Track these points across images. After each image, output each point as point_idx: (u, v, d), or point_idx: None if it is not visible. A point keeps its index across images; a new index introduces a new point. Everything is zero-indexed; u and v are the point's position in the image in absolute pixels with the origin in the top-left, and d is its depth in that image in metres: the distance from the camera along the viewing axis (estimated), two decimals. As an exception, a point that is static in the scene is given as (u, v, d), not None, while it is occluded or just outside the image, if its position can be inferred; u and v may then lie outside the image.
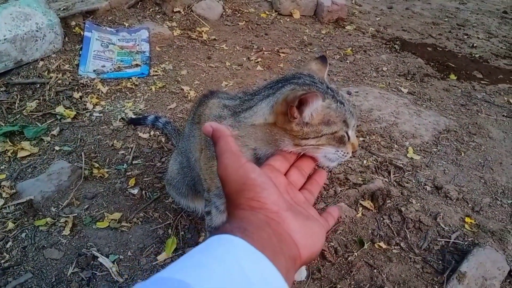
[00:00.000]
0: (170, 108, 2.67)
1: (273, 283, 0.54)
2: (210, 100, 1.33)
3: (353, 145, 1.07)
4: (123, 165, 2.17)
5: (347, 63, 3.47)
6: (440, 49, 3.92)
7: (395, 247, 1.78)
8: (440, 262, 1.72)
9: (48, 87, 2.69)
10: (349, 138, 1.04)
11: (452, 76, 3.36)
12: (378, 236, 1.82)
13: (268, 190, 0.67)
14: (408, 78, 3.28)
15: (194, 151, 1.39)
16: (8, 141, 2.26)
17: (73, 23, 3.26)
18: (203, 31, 3.73)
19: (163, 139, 2.39)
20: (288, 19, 4.23)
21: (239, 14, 4.15)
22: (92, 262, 1.66)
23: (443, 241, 1.81)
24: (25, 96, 2.64)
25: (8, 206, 1.90)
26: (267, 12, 4.27)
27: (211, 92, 1.47)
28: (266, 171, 0.75)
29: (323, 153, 0.99)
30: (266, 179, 0.69)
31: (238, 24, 4.00)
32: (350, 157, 1.09)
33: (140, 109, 2.64)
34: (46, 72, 2.83)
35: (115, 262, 1.65)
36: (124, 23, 3.51)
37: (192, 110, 1.68)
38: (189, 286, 0.46)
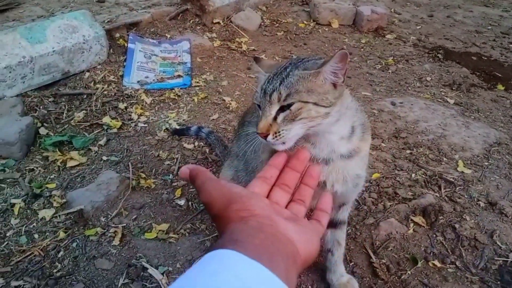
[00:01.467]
0: (213, 119, 2.68)
1: (272, 286, 0.53)
2: None
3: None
4: (169, 175, 2.18)
5: (389, 73, 3.40)
6: (485, 58, 3.80)
7: (451, 265, 1.71)
8: (498, 282, 1.65)
9: (94, 98, 2.75)
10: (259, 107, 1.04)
11: (500, 87, 3.25)
12: (431, 254, 1.76)
13: (255, 199, 0.69)
14: (453, 88, 3.19)
15: (260, 152, 1.33)
16: (57, 150, 2.32)
17: (117, 35, 3.34)
18: (242, 41, 3.74)
19: (207, 150, 2.39)
20: (326, 29, 4.20)
21: (277, 25, 4.15)
22: (142, 273, 1.67)
23: (501, 260, 1.73)
24: (73, 106, 2.71)
25: (59, 216, 1.93)
26: (305, 22, 4.26)
27: None
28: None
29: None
30: (250, 191, 0.71)
31: (276, 34, 4.00)
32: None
33: (183, 120, 2.66)
34: (92, 83, 2.90)
35: (164, 274, 1.66)
36: (166, 34, 3.57)
37: (250, 112, 1.64)
38: None
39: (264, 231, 0.62)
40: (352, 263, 1.71)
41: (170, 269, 1.68)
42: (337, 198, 1.26)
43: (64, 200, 2.00)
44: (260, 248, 0.58)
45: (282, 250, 0.61)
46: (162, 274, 1.65)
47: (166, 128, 2.56)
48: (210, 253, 0.57)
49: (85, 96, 2.78)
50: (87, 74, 2.96)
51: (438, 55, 3.76)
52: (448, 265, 1.71)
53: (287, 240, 0.64)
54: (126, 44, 3.28)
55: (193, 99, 2.87)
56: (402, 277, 1.65)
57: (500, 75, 3.46)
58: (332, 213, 1.44)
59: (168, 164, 2.27)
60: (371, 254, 1.73)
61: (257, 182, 0.81)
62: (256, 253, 0.55)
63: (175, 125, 2.58)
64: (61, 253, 1.77)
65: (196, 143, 2.44)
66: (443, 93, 3.11)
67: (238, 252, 0.55)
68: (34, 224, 1.89)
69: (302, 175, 0.85)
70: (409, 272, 1.67)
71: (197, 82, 3.07)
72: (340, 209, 1.44)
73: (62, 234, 1.84)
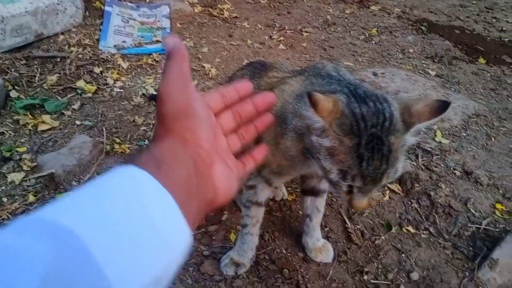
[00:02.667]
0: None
1: (176, 228, 0.49)
2: (292, 77, 1.24)
3: (350, 200, 0.95)
4: (144, 141, 2.13)
5: (372, 43, 3.37)
6: (468, 32, 3.78)
7: (424, 232, 1.72)
8: (470, 248, 1.66)
9: (68, 61, 2.66)
10: (350, 191, 0.93)
11: (481, 60, 3.24)
12: (406, 220, 1.77)
13: (207, 127, 0.62)
14: (435, 60, 3.17)
15: None
16: (28, 114, 2.24)
17: (94, -3, 3.21)
18: (224, 8, 3.65)
19: (184, 116, 2.34)
20: (311, -2, 4.12)
21: (261, -8, 4.06)
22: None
23: (474, 227, 1.75)
24: (46, 69, 2.61)
25: (29, 179, 1.88)
26: (289, -9, 4.17)
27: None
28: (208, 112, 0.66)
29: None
30: (207, 114, 0.64)
31: (260, 2, 3.90)
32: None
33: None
34: (67, 46, 2.79)
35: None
36: (145, -2, 3.45)
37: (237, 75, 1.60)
38: (69, 231, 0.39)
39: (197, 167, 0.56)
40: (327, 228, 1.71)
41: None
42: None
43: (35, 164, 1.94)
44: (183, 183, 0.52)
45: (202, 195, 0.56)
46: (135, 238, 1.63)
47: (143, 94, 2.49)
48: (126, 167, 0.49)
49: (58, 59, 2.68)
50: (62, 37, 2.86)
51: (422, 27, 3.73)
52: (421, 231, 1.72)
53: (212, 188, 0.59)
54: (102, 7, 3.16)
55: (172, 65, 2.79)
56: (376, 242, 1.66)
57: (482, 48, 3.45)
58: (314, 183, 1.45)
59: (144, 129, 2.22)
60: (346, 220, 1.73)
61: (216, 95, 0.72)
62: (176, 187, 0.50)
63: (152, 91, 2.51)
64: (31, 216, 1.72)
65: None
66: (425, 65, 3.09)
67: (156, 181, 0.48)
68: (3, 187, 1.83)
69: (257, 114, 0.77)
70: (383, 237, 1.68)
71: (176, 48, 2.99)
72: (322, 180, 1.42)
73: (31, 198, 1.79)
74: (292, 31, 3.44)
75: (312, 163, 1.03)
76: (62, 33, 2.88)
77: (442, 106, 0.87)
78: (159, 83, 0.63)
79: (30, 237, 0.38)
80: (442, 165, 2.08)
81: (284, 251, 1.61)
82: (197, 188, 0.54)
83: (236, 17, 3.58)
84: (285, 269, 1.52)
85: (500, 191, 1.95)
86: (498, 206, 1.86)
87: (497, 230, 1.74)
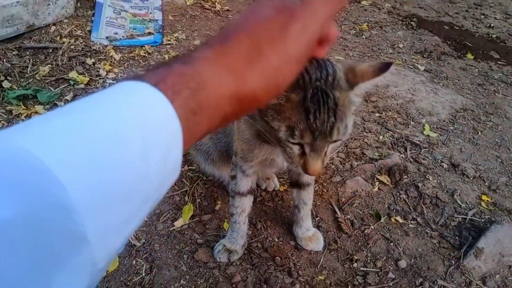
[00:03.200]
0: (184, 78, 2.63)
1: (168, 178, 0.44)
2: None
3: (304, 164, 0.90)
4: (138, 132, 2.15)
5: (363, 38, 3.41)
6: (457, 28, 3.84)
7: (412, 222, 1.77)
8: (456, 238, 1.71)
9: (60, 52, 2.65)
10: (304, 153, 0.89)
11: (469, 56, 3.30)
12: (394, 211, 1.81)
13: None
14: (424, 55, 3.22)
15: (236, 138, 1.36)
16: (21, 104, 2.24)
17: (86, -12, 3.20)
18: (216, 1, 3.65)
19: (177, 108, 2.36)
20: (302, -7, 4.14)
21: (253, -14, 4.07)
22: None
23: (460, 218, 1.80)
24: (38, 60, 2.61)
25: (23, 169, 1.88)
26: (281, -15, 4.18)
27: None
28: None
29: (271, 141, 0.93)
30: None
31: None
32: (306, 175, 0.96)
33: (153, 78, 2.60)
34: (59, 37, 2.79)
35: (131, 227, 1.65)
36: (137, -10, 3.44)
37: None
38: (34, 159, 0.32)
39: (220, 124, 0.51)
40: (318, 217, 1.75)
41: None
42: (286, 168, 1.32)
43: (28, 154, 1.95)
44: (199, 137, 0.48)
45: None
46: (129, 226, 1.65)
47: (126, 77, 2.50)
48: (149, 88, 0.42)
49: (50, 50, 2.68)
50: (53, 27, 2.85)
51: (412, 23, 3.78)
52: (409, 221, 1.77)
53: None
54: (94, -2, 3.15)
55: (164, 57, 2.81)
56: (365, 231, 1.70)
57: (470, 44, 3.51)
58: (295, 175, 1.49)
59: (137, 120, 2.23)
60: (337, 210, 1.77)
61: None
62: (191, 140, 0.46)
63: (138, 73, 2.52)
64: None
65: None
66: (414, 60, 3.14)
67: (177, 118, 0.42)
68: (-3, 177, 1.84)
69: None
70: (372, 227, 1.72)
71: (169, 40, 3.00)
72: (300, 174, 1.46)
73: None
74: (284, 25, 3.45)
75: (267, 147, 1.11)
76: (54, 24, 2.86)
77: (385, 66, 0.90)
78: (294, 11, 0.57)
79: None
80: (430, 158, 2.13)
81: (276, 240, 1.64)
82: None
83: (228, 10, 3.59)
84: (277, 257, 1.56)
85: (486, 183, 2.01)
86: (484, 197, 1.92)
87: (482, 220, 1.80)
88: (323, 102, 0.83)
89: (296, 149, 0.89)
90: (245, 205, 1.46)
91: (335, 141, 0.89)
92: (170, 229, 1.65)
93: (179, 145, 0.43)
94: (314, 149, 0.88)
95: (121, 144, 0.37)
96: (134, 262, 1.52)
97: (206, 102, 0.46)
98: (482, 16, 4.18)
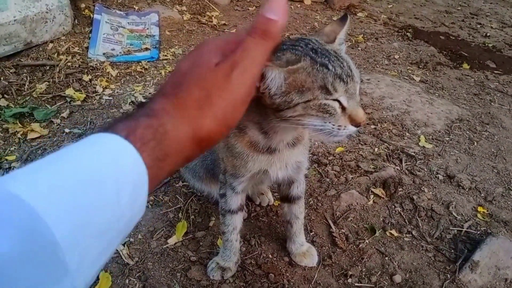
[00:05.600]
0: (180, 93, 2.65)
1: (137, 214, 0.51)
2: None
3: (350, 117, 0.92)
4: (133, 148, 2.15)
5: (359, 50, 3.42)
6: (453, 38, 3.85)
7: (407, 235, 1.76)
8: (452, 251, 1.70)
9: (57, 70, 2.68)
10: (344, 108, 0.91)
11: (465, 65, 3.31)
12: (389, 224, 1.81)
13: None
14: (420, 66, 3.23)
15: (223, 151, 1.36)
16: (18, 122, 2.26)
17: (83, 5, 3.24)
18: (213, 15, 3.69)
19: (173, 123, 2.37)
20: (298, 5, 4.17)
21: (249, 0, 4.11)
22: (102, 244, 1.65)
23: (456, 230, 1.79)
24: (35, 78, 2.63)
25: (19, 187, 1.89)
26: (277, -2, 4.21)
27: None
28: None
29: (311, 126, 0.93)
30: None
31: (248, 9, 3.95)
32: (356, 131, 0.96)
33: (149, 93, 2.62)
34: (56, 54, 2.81)
35: (125, 245, 1.65)
36: (134, 6, 3.48)
37: None
38: (32, 212, 0.39)
39: (182, 164, 0.61)
40: (313, 232, 1.74)
41: (132, 240, 1.68)
42: (281, 180, 1.32)
43: (24, 172, 1.96)
44: (163, 177, 0.56)
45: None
46: (123, 245, 1.65)
47: (132, 101, 2.52)
48: (97, 135, 0.50)
49: (48, 68, 2.71)
50: (51, 45, 2.87)
51: (407, 33, 3.80)
52: (404, 235, 1.76)
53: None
54: (92, 15, 3.19)
55: (161, 73, 2.83)
56: (360, 245, 1.69)
57: (466, 54, 3.52)
58: (285, 189, 1.50)
59: (133, 136, 2.24)
60: (331, 224, 1.77)
61: None
62: (155, 179, 0.52)
63: (141, 99, 2.54)
64: (20, 224, 1.73)
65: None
66: (410, 71, 3.15)
67: (144, 166, 0.49)
68: (-8, 195, 1.85)
69: None
70: (367, 241, 1.71)
71: (165, 56, 3.02)
72: (290, 187, 1.47)
73: (21, 206, 1.80)
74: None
75: (262, 158, 1.15)
76: (51, 41, 2.89)
77: (344, 18, 1.03)
78: (231, 54, 0.62)
79: None
80: (425, 169, 2.13)
81: (270, 256, 1.64)
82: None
83: (224, 24, 3.62)
84: (271, 274, 1.55)
85: (482, 194, 2.00)
86: (480, 209, 1.91)
87: (478, 232, 1.79)
88: (327, 54, 0.90)
89: (336, 106, 0.91)
90: (236, 222, 1.45)
91: (358, 82, 0.94)
92: (164, 246, 1.64)
93: (145, 188, 0.50)
94: (350, 95, 0.91)
95: (98, 189, 0.45)
96: (127, 281, 1.51)
97: (169, 149, 0.53)
98: (478, 26, 4.20)
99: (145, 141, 0.50)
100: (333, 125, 0.92)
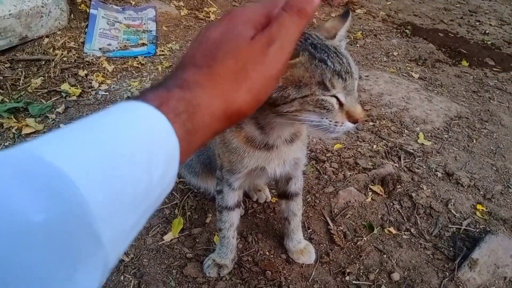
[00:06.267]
0: (177, 88, 2.62)
1: (166, 189, 0.49)
2: None
3: (348, 114, 0.91)
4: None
5: (357, 47, 3.40)
6: (452, 35, 3.84)
7: (405, 232, 1.74)
8: (451, 248, 1.69)
9: (53, 64, 2.65)
10: (341, 104, 0.90)
11: (464, 63, 3.30)
12: (388, 222, 1.79)
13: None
14: (419, 63, 3.22)
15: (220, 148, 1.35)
16: (12, 117, 2.23)
17: (79, 0, 3.20)
18: (210, 11, 3.66)
19: (169, 119, 2.35)
20: (297, 1, 4.15)
21: (247, -5, 4.08)
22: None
23: (454, 228, 1.78)
24: (30, 72, 2.60)
25: (13, 183, 1.86)
26: (276, -6, 4.19)
27: None
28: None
29: (308, 121, 0.92)
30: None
31: (246, 5, 3.92)
32: (354, 128, 0.95)
33: (146, 89, 2.59)
34: (51, 49, 2.78)
35: (120, 241, 1.63)
36: (131, 1, 3.45)
37: None
38: (66, 179, 0.37)
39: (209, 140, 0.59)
40: (310, 229, 1.73)
41: (127, 236, 1.65)
42: (278, 177, 1.31)
43: (18, 168, 1.93)
44: (192, 152, 0.54)
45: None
46: (118, 241, 1.62)
47: (128, 97, 2.49)
48: (128, 103, 0.48)
49: (43, 62, 2.68)
50: (46, 39, 2.84)
51: (406, 30, 3.78)
52: (403, 232, 1.74)
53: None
54: (88, 10, 3.15)
55: (157, 68, 2.80)
56: (358, 243, 1.68)
57: (465, 51, 3.50)
58: (283, 186, 1.48)
59: (129, 132, 2.22)
60: (329, 222, 1.75)
61: None
62: (186, 155, 0.51)
63: (137, 94, 2.51)
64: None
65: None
66: (408, 68, 3.13)
67: (176, 137, 0.48)
68: (-14, 191, 1.82)
69: None
70: (365, 238, 1.70)
71: (162, 51, 3.00)
72: (288, 183, 1.45)
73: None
74: (278, 34, 3.45)
75: (258, 155, 1.13)
76: (47, 36, 2.86)
77: (345, 15, 1.00)
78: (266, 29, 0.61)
79: (12, 178, 0.36)
80: (424, 167, 2.11)
81: (267, 253, 1.62)
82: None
83: (222, 20, 3.59)
84: (268, 271, 1.53)
85: (481, 192, 1.99)
86: (479, 207, 1.90)
87: (477, 230, 1.77)
88: (326, 49, 0.89)
89: (334, 102, 0.90)
90: (233, 219, 1.43)
91: (356, 78, 0.93)
92: (160, 243, 1.62)
93: (176, 162, 0.49)
94: (348, 92, 0.90)
95: (130, 160, 0.43)
96: (122, 277, 1.49)
97: (201, 123, 0.53)
98: (477, 23, 4.18)
99: (177, 112, 0.49)
100: (330, 121, 0.91)
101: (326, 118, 0.91)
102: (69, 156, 0.39)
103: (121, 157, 0.42)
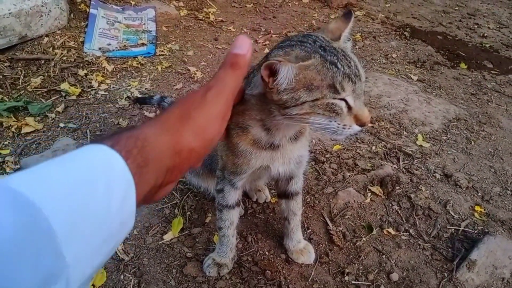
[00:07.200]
0: (176, 88, 2.63)
1: (127, 219, 0.53)
2: None
3: (356, 117, 0.93)
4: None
5: (356, 48, 3.41)
6: (451, 37, 3.85)
7: (404, 233, 1.75)
8: (449, 249, 1.70)
9: (53, 64, 2.65)
10: (350, 107, 0.92)
11: (462, 65, 3.31)
12: (386, 222, 1.80)
13: (200, 160, 0.71)
14: (418, 65, 3.23)
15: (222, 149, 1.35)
16: (12, 116, 2.23)
17: (79, -1, 3.21)
18: (210, 12, 3.67)
19: (169, 119, 2.35)
20: (296, 3, 4.16)
21: (247, -4, 4.08)
22: (97, 239, 1.63)
23: (453, 229, 1.79)
24: (30, 72, 2.60)
25: (12, 182, 1.86)
26: (275, -5, 4.20)
27: None
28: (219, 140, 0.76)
29: (316, 124, 0.94)
30: (210, 150, 0.72)
31: (245, 6, 3.93)
32: (360, 130, 0.97)
33: (146, 89, 2.59)
34: (51, 48, 2.78)
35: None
36: (130, 1, 3.46)
37: None
38: (31, 204, 0.42)
39: (164, 178, 0.62)
40: (310, 230, 1.73)
41: (127, 235, 1.65)
42: (281, 176, 1.31)
43: (18, 166, 1.93)
44: (148, 190, 0.58)
45: (145, 201, 0.62)
46: (118, 240, 1.62)
47: (128, 97, 2.49)
48: (92, 146, 0.54)
49: (43, 62, 2.67)
50: (46, 39, 2.84)
51: (405, 33, 3.79)
52: (402, 233, 1.75)
53: (155, 198, 0.66)
54: (88, 9, 3.15)
55: (157, 68, 2.80)
56: (357, 243, 1.68)
57: (463, 54, 3.52)
58: (284, 185, 1.48)
59: (129, 132, 2.22)
60: (328, 222, 1.75)
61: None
62: (142, 192, 0.55)
63: (137, 94, 2.52)
64: (13, 219, 1.71)
65: (158, 112, 2.39)
66: (407, 70, 3.15)
67: (128, 170, 0.52)
68: (-15, 190, 1.82)
69: None
70: (364, 239, 1.70)
71: (162, 51, 3.00)
72: (289, 183, 1.46)
73: (14, 200, 1.77)
74: (277, 35, 3.47)
75: (263, 154, 1.15)
76: (47, 35, 2.86)
77: (348, 14, 1.04)
78: (208, 83, 0.71)
79: None
80: (423, 168, 2.12)
81: (267, 253, 1.62)
82: (148, 196, 0.60)
83: (222, 21, 3.60)
84: (267, 271, 1.53)
85: (479, 194, 2.00)
86: (477, 208, 1.90)
87: (475, 231, 1.78)
88: (336, 52, 0.91)
89: (343, 105, 0.91)
90: (233, 217, 1.44)
91: (364, 82, 0.94)
92: (159, 242, 1.63)
93: (132, 192, 0.53)
94: (357, 96, 0.92)
95: (90, 188, 0.48)
96: (122, 277, 1.49)
97: (150, 156, 0.57)
98: (476, 26, 4.20)
99: (128, 149, 0.54)
100: (339, 124, 0.93)
101: (335, 121, 0.93)
102: (31, 184, 0.44)
103: (81, 185, 0.48)
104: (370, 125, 2.42)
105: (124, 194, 0.51)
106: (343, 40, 0.98)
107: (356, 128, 0.94)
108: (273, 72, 0.89)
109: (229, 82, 0.71)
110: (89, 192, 0.48)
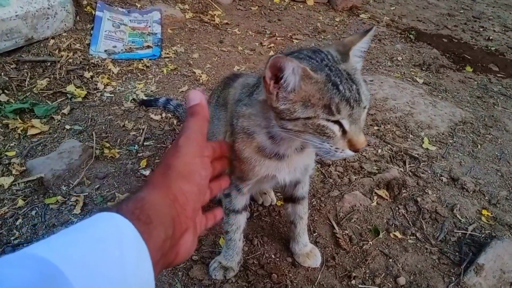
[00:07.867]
0: (182, 91, 2.63)
1: (146, 282, 0.55)
2: (236, 80, 1.32)
3: (350, 142, 0.93)
4: (135, 146, 2.13)
5: (362, 51, 3.40)
6: (456, 40, 3.84)
7: (411, 237, 1.74)
8: (456, 253, 1.69)
9: (58, 66, 2.65)
10: (345, 131, 0.92)
11: (468, 68, 3.30)
12: (393, 226, 1.79)
13: (200, 198, 0.72)
14: (423, 68, 3.22)
15: (218, 133, 1.35)
16: (18, 118, 2.23)
17: (85, 2, 3.22)
18: (215, 14, 3.67)
19: (175, 121, 2.35)
20: (301, 6, 4.16)
21: (252, -1, 4.09)
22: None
23: (460, 233, 1.78)
24: (36, 74, 2.61)
25: (18, 183, 1.87)
26: (280, -2, 4.21)
27: (234, 74, 1.46)
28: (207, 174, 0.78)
29: (309, 142, 0.95)
30: (206, 185, 0.75)
31: (251, 9, 3.93)
32: (353, 155, 0.97)
33: (151, 91, 2.60)
34: (57, 50, 2.79)
35: (126, 243, 1.62)
36: (136, 4, 3.46)
37: (215, 92, 1.64)
38: (54, 267, 0.46)
39: (173, 231, 0.64)
40: (316, 233, 1.72)
41: None
42: (287, 184, 1.32)
43: (24, 168, 1.93)
44: (160, 245, 0.60)
45: (168, 258, 0.64)
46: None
47: (133, 99, 2.50)
48: (109, 214, 0.57)
49: (49, 64, 2.68)
50: (52, 41, 2.85)
51: (410, 36, 3.78)
52: (408, 237, 1.74)
53: (176, 252, 0.66)
54: (93, 12, 3.16)
55: (162, 71, 2.81)
56: (364, 247, 1.67)
57: (469, 57, 3.51)
58: (290, 190, 1.48)
59: (134, 134, 2.22)
60: (335, 225, 1.75)
61: (211, 148, 0.84)
62: (154, 246, 0.57)
63: (142, 96, 2.52)
64: (20, 220, 1.71)
65: (164, 115, 2.39)
66: (413, 73, 3.14)
67: (139, 237, 0.55)
68: (-9, 191, 1.83)
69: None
70: (370, 242, 1.70)
71: (167, 54, 3.00)
72: (295, 187, 1.46)
73: (20, 202, 1.78)
74: (282, 38, 3.47)
75: (269, 163, 1.15)
76: (53, 38, 2.87)
77: (367, 30, 1.00)
78: (178, 135, 0.77)
79: (19, 267, 0.45)
80: (429, 172, 2.11)
81: (273, 256, 1.62)
82: (168, 251, 0.63)
83: (227, 23, 3.60)
84: (273, 274, 1.53)
85: (486, 197, 1.99)
86: (484, 212, 1.89)
87: (482, 235, 1.77)
88: (340, 74, 0.90)
89: (336, 129, 0.91)
90: (240, 222, 1.43)
91: (365, 107, 0.94)
92: (165, 245, 1.62)
93: (146, 253, 0.56)
94: (353, 120, 0.91)
95: (105, 253, 0.52)
96: (128, 279, 1.49)
97: (151, 212, 0.61)
98: (481, 29, 4.19)
99: (131, 211, 0.58)
100: (331, 146, 0.94)
101: (327, 143, 0.93)
102: (54, 250, 0.49)
103: (98, 252, 0.51)
104: (375, 128, 2.41)
105: (137, 253, 0.55)
106: (354, 59, 0.97)
107: (349, 153, 0.94)
108: (276, 76, 0.90)
109: (194, 127, 0.78)
110: (106, 256, 0.51)
